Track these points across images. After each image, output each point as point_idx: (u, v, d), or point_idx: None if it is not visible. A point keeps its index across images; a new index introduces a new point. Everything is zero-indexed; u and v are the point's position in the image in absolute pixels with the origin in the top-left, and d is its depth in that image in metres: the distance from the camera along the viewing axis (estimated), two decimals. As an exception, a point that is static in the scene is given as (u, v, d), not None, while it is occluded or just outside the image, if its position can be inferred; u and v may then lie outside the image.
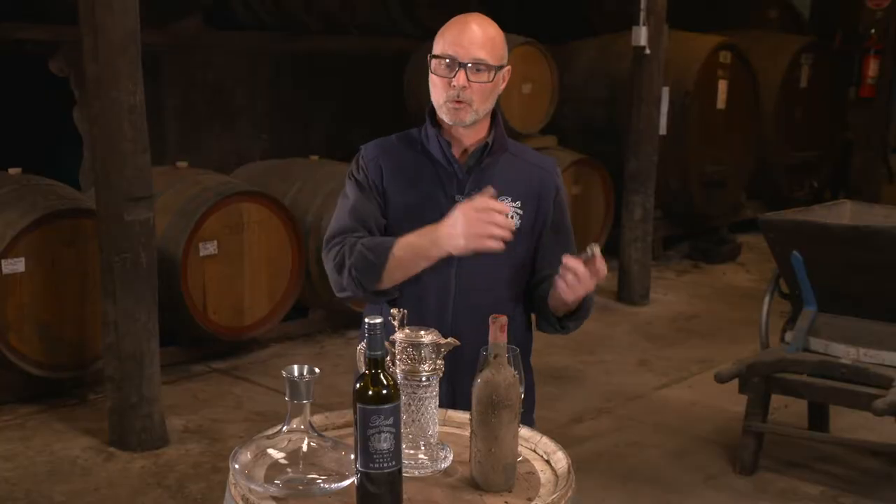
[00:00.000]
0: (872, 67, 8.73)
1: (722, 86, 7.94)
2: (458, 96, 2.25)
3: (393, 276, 2.25)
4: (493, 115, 2.39)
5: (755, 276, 7.66)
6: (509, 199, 2.34)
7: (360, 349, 1.97)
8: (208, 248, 5.14)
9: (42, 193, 4.70)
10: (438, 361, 1.90)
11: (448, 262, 2.28)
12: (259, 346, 5.65)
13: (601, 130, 7.80)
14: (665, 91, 6.63)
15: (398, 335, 1.90)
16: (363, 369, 1.75)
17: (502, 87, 2.35)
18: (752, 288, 7.18)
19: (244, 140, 7.25)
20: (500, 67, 2.30)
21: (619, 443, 4.49)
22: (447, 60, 2.25)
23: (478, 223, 2.13)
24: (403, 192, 2.35)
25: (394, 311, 1.95)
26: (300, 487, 1.78)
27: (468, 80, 2.24)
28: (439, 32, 2.31)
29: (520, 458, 1.92)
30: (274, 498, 1.77)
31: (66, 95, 6.00)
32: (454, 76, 2.25)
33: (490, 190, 2.19)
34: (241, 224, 5.28)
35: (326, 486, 1.78)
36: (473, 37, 2.25)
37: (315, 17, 7.24)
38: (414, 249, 2.22)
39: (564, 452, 1.95)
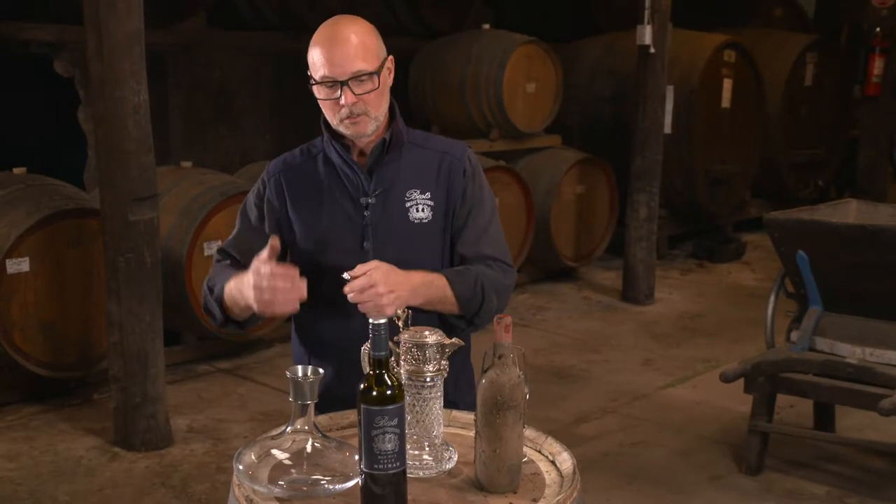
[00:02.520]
0: (878, 65, 8.68)
1: (727, 84, 7.92)
2: (351, 113, 2.19)
3: (234, 312, 2.26)
4: (391, 108, 2.31)
5: (760, 275, 7.64)
6: (417, 191, 2.29)
7: (365, 349, 1.96)
8: (213, 248, 5.13)
9: (47, 193, 4.71)
10: (443, 362, 1.89)
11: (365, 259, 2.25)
12: (264, 346, 5.65)
13: (606, 129, 7.79)
14: (670, 90, 6.62)
15: (403, 335, 1.90)
16: (367, 370, 1.75)
17: (391, 78, 2.27)
18: (758, 287, 7.16)
19: (248, 139, 7.25)
20: (382, 65, 2.21)
21: (624, 442, 4.48)
22: (328, 84, 2.18)
23: (259, 290, 2.07)
24: (309, 206, 2.31)
25: (398, 311, 1.95)
26: (304, 488, 1.78)
27: (354, 95, 2.16)
28: (309, 50, 2.21)
29: (525, 459, 1.91)
30: (278, 499, 1.77)
31: (70, 95, 6.00)
32: (340, 96, 2.17)
33: (271, 248, 2.09)
34: (246, 224, 5.28)
35: (330, 487, 1.78)
36: (345, 50, 2.16)
37: (319, 16, 7.20)
38: (234, 299, 2.22)
39: (569, 453, 1.95)
